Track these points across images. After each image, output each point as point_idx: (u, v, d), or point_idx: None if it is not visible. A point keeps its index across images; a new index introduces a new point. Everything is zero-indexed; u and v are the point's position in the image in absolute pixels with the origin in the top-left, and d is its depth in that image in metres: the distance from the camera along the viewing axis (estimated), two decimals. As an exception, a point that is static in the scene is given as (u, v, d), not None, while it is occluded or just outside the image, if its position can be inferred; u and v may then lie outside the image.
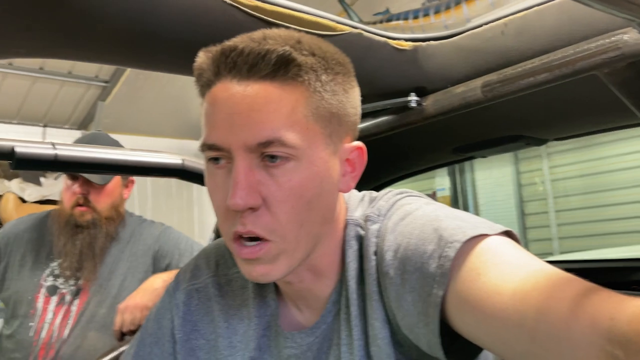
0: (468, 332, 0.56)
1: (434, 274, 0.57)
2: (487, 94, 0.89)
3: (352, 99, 0.66)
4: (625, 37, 0.73)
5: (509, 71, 0.86)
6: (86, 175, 1.71)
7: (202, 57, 0.63)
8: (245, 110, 0.59)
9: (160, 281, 1.55)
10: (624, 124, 1.07)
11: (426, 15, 3.62)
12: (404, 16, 3.76)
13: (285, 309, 0.75)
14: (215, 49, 0.61)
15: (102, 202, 1.76)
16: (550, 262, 0.56)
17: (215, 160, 0.62)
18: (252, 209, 0.60)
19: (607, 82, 0.81)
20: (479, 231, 0.58)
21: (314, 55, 0.61)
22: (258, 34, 0.62)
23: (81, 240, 1.72)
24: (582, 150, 4.45)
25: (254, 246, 0.61)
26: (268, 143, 0.59)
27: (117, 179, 1.81)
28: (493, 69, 0.89)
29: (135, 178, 1.94)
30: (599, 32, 0.76)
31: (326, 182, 0.63)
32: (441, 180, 5.34)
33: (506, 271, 0.53)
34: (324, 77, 0.62)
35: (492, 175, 5.11)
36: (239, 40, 0.61)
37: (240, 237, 0.62)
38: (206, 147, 0.62)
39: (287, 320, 0.74)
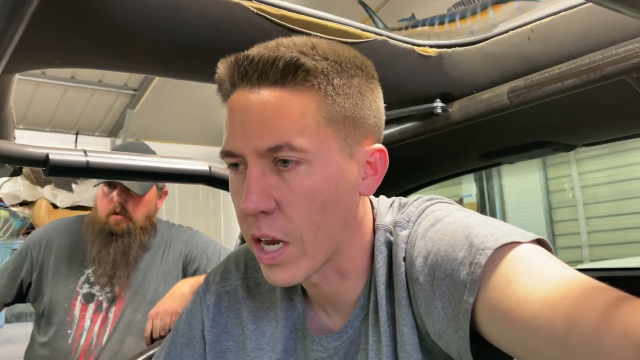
0: (498, 340, 0.56)
1: (465, 281, 0.57)
2: (514, 99, 0.88)
3: (371, 102, 0.67)
4: (655, 41, 0.71)
5: (535, 77, 0.85)
6: (126, 184, 1.72)
7: (221, 68, 0.65)
8: (256, 117, 0.61)
9: (187, 286, 1.57)
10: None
11: (452, 21, 3.61)
12: (430, 22, 3.75)
13: (312, 312, 0.76)
14: (230, 58, 0.63)
15: (139, 212, 1.78)
16: (581, 270, 0.55)
17: (234, 166, 0.65)
18: (266, 213, 0.61)
19: (636, 86, 0.80)
20: (511, 239, 0.58)
21: (326, 59, 0.62)
22: (273, 42, 0.64)
23: (115, 248, 1.73)
24: (611, 156, 4.36)
25: (274, 251, 0.63)
26: (277, 148, 0.60)
27: (153, 190, 1.83)
28: (519, 75, 0.88)
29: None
30: (627, 37, 0.75)
31: (342, 185, 0.63)
32: (468, 186, 5.29)
33: (537, 279, 0.53)
34: (336, 81, 0.62)
35: (520, 181, 5.04)
36: (254, 49, 0.63)
37: (259, 240, 0.63)
38: (224, 154, 0.64)
39: (314, 324, 0.75)
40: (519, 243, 0.58)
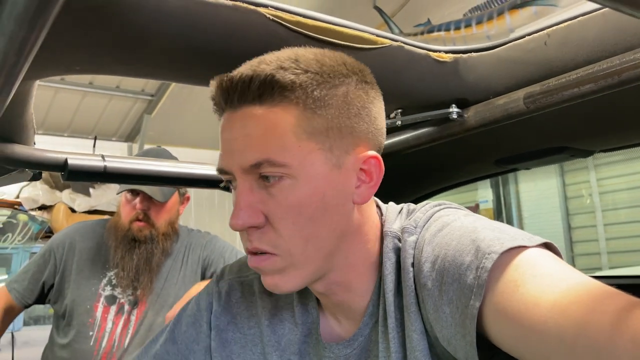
0: (506, 345, 0.55)
1: (472, 285, 0.57)
2: (530, 105, 0.88)
3: (360, 109, 0.66)
4: (674, 46, 0.71)
5: (552, 82, 0.84)
6: (148, 192, 1.74)
7: (212, 88, 0.67)
8: (238, 136, 0.63)
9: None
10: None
11: (468, 26, 3.59)
12: (446, 27, 3.74)
13: (324, 319, 0.76)
14: (217, 79, 0.66)
15: (161, 219, 1.80)
16: (599, 278, 0.55)
17: (230, 183, 0.68)
18: (256, 227, 0.64)
19: (656, 92, 0.79)
20: (517, 242, 0.58)
21: (307, 72, 0.63)
22: (257, 59, 0.65)
23: (138, 255, 1.75)
24: (630, 162, 4.30)
25: (258, 256, 0.65)
26: (258, 164, 0.62)
27: (175, 196, 1.85)
28: (536, 80, 0.87)
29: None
30: (646, 42, 0.74)
31: (330, 196, 0.64)
32: (484, 192, 5.25)
33: (545, 284, 0.53)
34: (316, 93, 0.63)
35: (537, 187, 4.99)
36: (240, 68, 0.65)
37: (252, 252, 0.66)
38: (218, 171, 0.67)
39: (326, 331, 0.75)
40: (525, 247, 0.57)
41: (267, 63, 0.63)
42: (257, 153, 0.62)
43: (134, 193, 1.77)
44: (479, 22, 3.52)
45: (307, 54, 0.65)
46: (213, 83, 0.66)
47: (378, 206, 0.75)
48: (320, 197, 0.63)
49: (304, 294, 0.77)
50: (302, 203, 0.63)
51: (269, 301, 0.80)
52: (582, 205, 4.70)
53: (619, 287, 0.51)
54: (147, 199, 1.77)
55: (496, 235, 0.59)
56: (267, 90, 0.62)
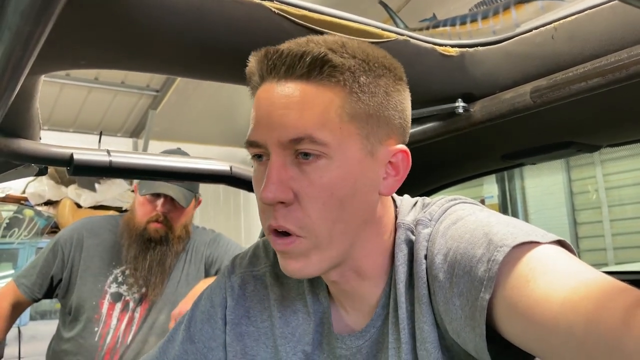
0: (516, 339, 0.55)
1: (482, 278, 0.57)
2: (537, 99, 0.87)
3: (397, 102, 0.67)
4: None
5: (559, 76, 0.84)
6: (174, 196, 1.74)
7: (252, 61, 0.66)
8: (280, 109, 0.62)
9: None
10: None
11: (474, 21, 3.57)
12: (451, 22, 3.72)
13: (335, 309, 0.76)
14: (261, 52, 0.65)
15: (178, 222, 1.80)
16: (605, 273, 0.54)
17: (258, 157, 0.66)
18: (284, 204, 0.63)
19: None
20: (530, 238, 0.57)
21: (354, 57, 0.63)
22: (304, 38, 0.65)
23: (152, 255, 1.75)
24: (637, 157, 4.28)
25: (286, 238, 0.64)
26: (299, 140, 0.61)
27: (193, 200, 1.85)
28: (542, 74, 0.87)
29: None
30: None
31: (361, 182, 0.64)
32: (489, 187, 5.24)
33: (556, 280, 0.52)
34: (362, 79, 0.63)
35: (543, 183, 4.97)
36: (285, 44, 0.65)
37: (275, 231, 0.65)
38: (248, 144, 0.65)
39: (337, 321, 0.75)
40: (538, 243, 0.57)
41: (315, 42, 0.63)
42: (300, 128, 0.61)
43: (156, 195, 1.77)
44: (484, 17, 3.50)
45: (351, 42, 0.66)
46: (256, 55, 0.65)
47: (392, 197, 0.76)
48: (352, 181, 0.63)
49: (315, 283, 0.77)
50: (334, 184, 0.62)
51: (280, 293, 0.80)
52: (588, 200, 4.68)
53: (626, 282, 0.50)
54: (170, 202, 1.77)
55: (509, 230, 0.59)
56: (317, 67, 0.61)
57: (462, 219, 0.65)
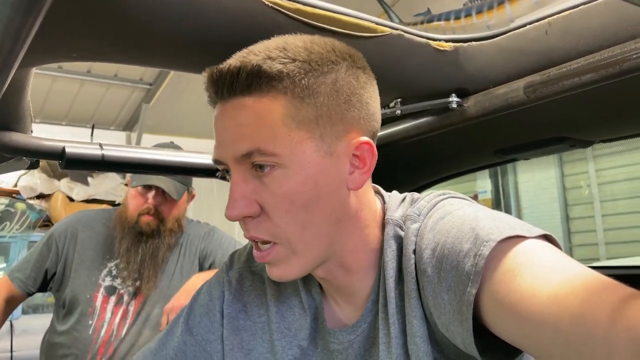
0: (503, 333, 0.56)
1: (469, 272, 0.57)
2: (530, 94, 0.87)
3: (350, 95, 0.66)
4: (676, 36, 0.70)
5: (552, 72, 0.84)
6: (165, 188, 1.74)
7: (204, 80, 0.67)
8: (230, 126, 0.64)
9: (201, 280, 1.58)
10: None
11: (468, 15, 3.57)
12: (446, 17, 3.72)
13: (327, 305, 0.77)
14: (207, 72, 0.66)
15: (170, 215, 1.80)
16: (597, 268, 0.55)
17: (226, 172, 0.68)
18: (252, 217, 0.65)
19: (656, 82, 0.79)
20: (516, 232, 0.58)
21: (294, 60, 0.63)
22: (246, 50, 0.66)
23: (144, 249, 1.75)
24: (630, 153, 4.30)
25: (264, 250, 0.66)
26: (249, 154, 0.63)
27: (185, 194, 1.85)
28: (536, 70, 0.87)
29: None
30: (648, 31, 0.74)
31: (323, 183, 0.64)
32: (483, 182, 5.26)
33: (542, 274, 0.53)
34: (304, 82, 0.63)
35: (535, 178, 5.00)
36: (229, 60, 0.65)
37: (255, 241, 0.67)
38: (214, 161, 0.68)
39: (330, 316, 0.76)
40: (524, 237, 0.58)
41: (255, 53, 0.64)
42: (248, 143, 0.62)
43: (148, 187, 1.76)
44: (479, 12, 3.50)
45: (296, 41, 0.65)
46: (205, 75, 0.67)
47: (380, 194, 0.76)
48: (312, 185, 0.64)
49: (307, 279, 0.78)
50: (294, 191, 0.63)
51: (277, 289, 0.80)
52: (581, 196, 4.70)
53: (617, 277, 0.51)
54: (161, 194, 1.76)
55: (496, 224, 0.59)
56: (254, 80, 0.62)
57: (450, 213, 0.65)
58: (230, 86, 0.63)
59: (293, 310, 0.78)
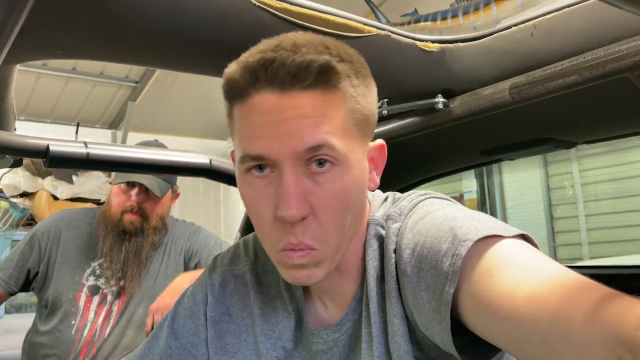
0: (482, 332, 0.56)
1: (447, 272, 0.58)
2: (515, 95, 0.88)
3: (374, 99, 0.68)
4: (658, 39, 0.71)
5: (537, 73, 0.85)
6: (148, 185, 1.72)
7: (235, 68, 0.63)
8: (292, 119, 0.59)
9: (187, 280, 1.58)
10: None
11: (455, 16, 3.59)
12: (432, 17, 3.73)
13: (311, 305, 0.77)
14: (250, 60, 0.61)
15: (154, 213, 1.79)
16: (580, 268, 0.55)
17: (258, 168, 0.63)
18: (303, 219, 0.61)
19: (638, 84, 0.80)
20: (494, 232, 0.58)
21: (343, 60, 0.63)
22: (286, 41, 0.62)
23: (127, 247, 1.74)
24: (613, 154, 4.35)
25: (299, 252, 0.62)
26: (318, 147, 0.60)
27: (169, 191, 1.83)
28: (521, 71, 0.88)
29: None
30: (630, 34, 0.75)
31: (363, 184, 0.65)
32: (468, 182, 5.28)
33: (520, 274, 0.53)
34: (355, 82, 0.63)
35: (520, 178, 5.04)
36: (271, 49, 0.61)
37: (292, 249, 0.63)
38: (249, 157, 0.62)
39: (313, 317, 0.76)
40: (502, 237, 0.58)
41: (305, 46, 0.60)
42: (317, 136, 0.59)
43: (131, 184, 1.75)
44: (465, 13, 3.52)
45: (330, 42, 0.64)
46: (242, 62, 0.62)
47: None
48: (359, 185, 0.64)
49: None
50: (347, 192, 0.62)
51: (260, 291, 0.80)
52: (565, 196, 4.75)
53: (599, 277, 0.51)
54: (144, 191, 1.75)
55: (474, 224, 0.60)
56: (324, 76, 0.60)
57: (430, 213, 0.66)
58: (296, 77, 0.59)
59: (277, 312, 0.78)
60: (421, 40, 0.91)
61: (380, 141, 0.69)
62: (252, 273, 0.82)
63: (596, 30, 0.79)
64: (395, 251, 0.66)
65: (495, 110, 0.93)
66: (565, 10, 0.82)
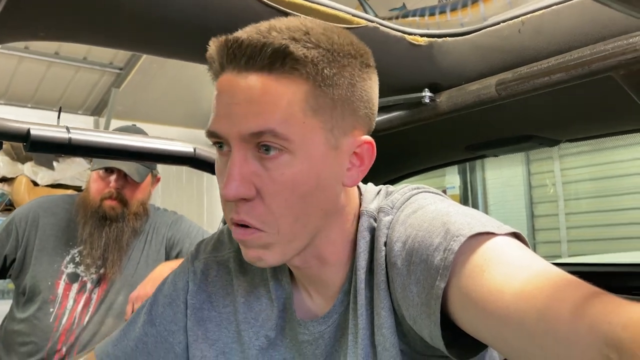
0: (469, 327, 0.57)
1: (438, 266, 0.58)
2: (502, 92, 0.88)
3: (362, 92, 0.66)
4: (644, 39, 0.72)
5: (524, 70, 0.85)
6: (126, 171, 1.70)
7: (212, 47, 0.64)
8: (242, 101, 0.60)
9: (168, 269, 1.56)
10: (638, 127, 1.06)
11: (442, 12, 3.60)
12: (420, 13, 3.73)
13: (298, 295, 0.76)
14: (221, 39, 0.62)
15: (134, 198, 1.77)
16: (557, 265, 0.56)
17: (219, 146, 0.65)
18: (246, 200, 0.62)
19: (623, 84, 0.81)
20: (487, 229, 0.58)
21: (318, 47, 0.61)
22: (265, 24, 0.63)
23: (107, 233, 1.72)
24: (594, 153, 4.41)
25: (244, 229, 0.64)
26: (261, 133, 0.60)
27: (149, 177, 1.81)
28: (508, 67, 0.88)
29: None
30: (617, 34, 0.75)
31: (324, 176, 0.63)
32: (451, 178, 5.32)
33: (510, 271, 0.54)
34: (326, 71, 0.62)
35: (503, 175, 5.08)
36: (246, 31, 0.62)
37: (236, 223, 0.64)
38: (209, 133, 0.64)
39: (300, 307, 0.75)
40: (494, 234, 0.58)
41: (277, 30, 0.61)
42: (261, 121, 0.59)
43: (109, 170, 1.73)
44: (453, 9, 3.53)
45: (316, 27, 0.63)
46: (216, 41, 0.63)
47: (357, 186, 0.75)
48: (315, 177, 0.62)
49: (278, 268, 0.77)
50: (297, 181, 0.61)
51: (244, 279, 0.80)
52: (546, 194, 4.81)
53: (576, 274, 0.52)
54: (123, 177, 1.73)
55: (467, 220, 0.60)
56: (278, 59, 0.59)
57: (423, 207, 0.66)
58: (251, 59, 0.60)
59: (260, 300, 0.77)
60: (410, 34, 0.91)
61: (366, 138, 0.67)
62: (236, 260, 0.81)
63: (583, 28, 0.79)
64: (385, 244, 0.66)
65: (481, 105, 0.93)
66: (553, 8, 0.82)
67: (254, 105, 0.60)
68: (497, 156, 1.31)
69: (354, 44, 0.66)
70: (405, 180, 1.51)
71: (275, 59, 0.59)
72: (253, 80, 0.60)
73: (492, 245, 0.57)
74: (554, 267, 0.53)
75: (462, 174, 5.22)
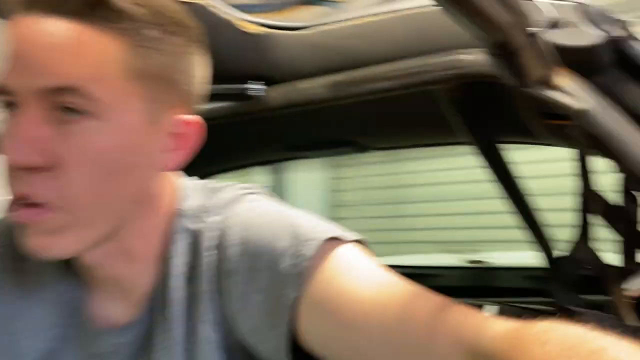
0: (320, 341, 0.53)
1: (287, 273, 0.53)
2: (330, 93, 0.88)
3: (187, 66, 0.59)
4: (467, 57, 0.76)
5: (354, 74, 0.86)
6: None
7: None
8: (44, 50, 0.50)
9: None
10: (445, 142, 1.14)
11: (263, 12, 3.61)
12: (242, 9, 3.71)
13: (91, 300, 0.64)
14: None
15: None
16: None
17: (9, 106, 0.52)
18: (37, 170, 0.51)
19: (441, 98, 0.85)
20: (337, 234, 0.56)
21: (144, 6, 0.54)
22: None
23: None
24: (390, 163, 4.81)
25: (30, 209, 0.52)
26: (63, 90, 0.50)
27: None
28: (340, 69, 0.88)
29: None
30: (448, 49, 0.79)
31: (138, 154, 0.55)
32: (261, 177, 5.38)
33: (364, 279, 0.53)
34: (153, 33, 0.54)
35: (309, 178, 5.29)
36: None
37: (22, 200, 0.52)
38: None
39: (94, 313, 0.64)
40: (343, 241, 0.57)
41: None
42: (66, 75, 0.50)
43: None
44: (270, 11, 3.57)
45: None
46: None
47: (171, 178, 0.66)
48: (127, 152, 0.53)
49: (65, 265, 0.64)
50: (104, 153, 0.52)
51: (13, 280, 0.64)
52: (346, 199, 5.10)
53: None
54: None
55: (314, 223, 0.57)
56: (97, 7, 0.50)
57: (261, 208, 0.61)
58: (59, 1, 0.50)
59: (40, 305, 0.64)
60: (241, 20, 0.85)
61: (193, 118, 0.59)
62: (8, 258, 0.65)
63: (415, 39, 0.82)
64: (216, 247, 0.59)
65: (308, 105, 0.91)
66: (390, 15, 0.84)
67: (57, 54, 0.50)
68: (315, 158, 1.32)
69: (183, 14, 0.58)
70: (218, 177, 1.44)
71: (86, 4, 0.50)
72: (61, 26, 0.50)
73: (344, 251, 0.55)
74: (396, 277, 0.54)
75: (275, 173, 5.31)
